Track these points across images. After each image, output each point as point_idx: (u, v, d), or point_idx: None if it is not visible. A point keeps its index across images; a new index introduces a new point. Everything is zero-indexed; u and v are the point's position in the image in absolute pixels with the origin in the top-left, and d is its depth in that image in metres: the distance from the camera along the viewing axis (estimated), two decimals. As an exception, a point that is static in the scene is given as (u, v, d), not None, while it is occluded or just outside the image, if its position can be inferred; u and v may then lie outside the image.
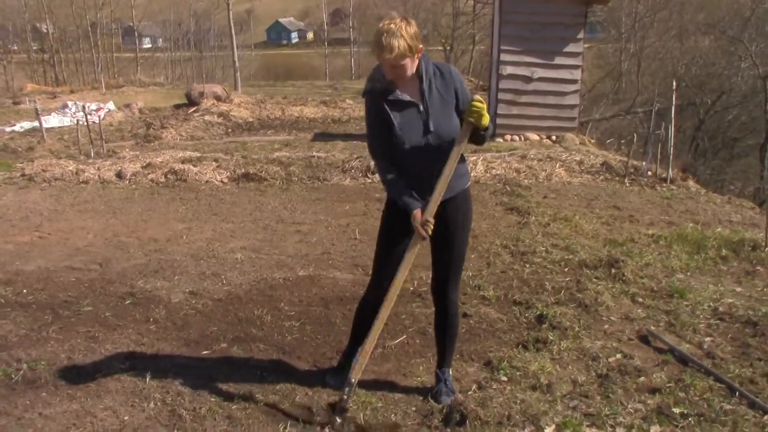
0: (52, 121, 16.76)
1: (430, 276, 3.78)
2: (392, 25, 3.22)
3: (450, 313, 3.71)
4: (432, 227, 3.37)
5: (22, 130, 15.95)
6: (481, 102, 3.27)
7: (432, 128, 3.37)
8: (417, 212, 3.37)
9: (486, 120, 3.31)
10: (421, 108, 3.39)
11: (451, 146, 3.37)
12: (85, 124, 12.89)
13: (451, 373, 3.87)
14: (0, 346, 4.43)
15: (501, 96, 12.68)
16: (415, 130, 3.38)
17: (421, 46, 3.32)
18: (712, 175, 17.19)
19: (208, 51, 53.07)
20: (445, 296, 3.67)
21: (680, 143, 17.03)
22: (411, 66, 3.33)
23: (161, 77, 36.97)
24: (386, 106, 3.40)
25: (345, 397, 3.55)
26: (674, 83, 10.34)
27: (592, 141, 14.11)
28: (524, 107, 12.65)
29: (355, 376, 3.57)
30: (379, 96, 3.42)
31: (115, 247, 6.78)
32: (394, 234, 3.57)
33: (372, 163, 8.37)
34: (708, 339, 4.57)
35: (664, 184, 9.47)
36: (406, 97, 3.39)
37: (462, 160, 3.51)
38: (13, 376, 4.01)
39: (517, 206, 8.15)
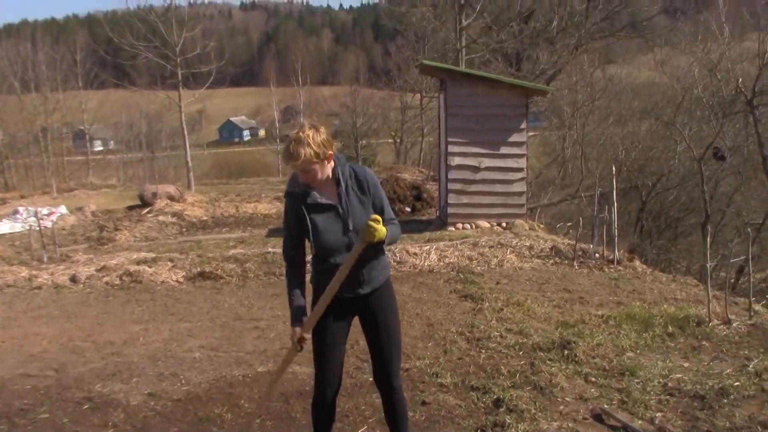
0: (2, 227, 16.62)
1: (372, 370, 3.89)
2: (300, 134, 3.48)
3: (396, 400, 3.83)
4: (306, 344, 3.60)
5: (-27, 237, 15.76)
6: (376, 221, 3.47)
7: (351, 227, 3.59)
8: (297, 330, 3.59)
9: (380, 235, 3.48)
10: (341, 210, 3.60)
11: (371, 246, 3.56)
12: (38, 229, 12.83)
13: None
14: (-46, 459, 4.36)
15: (451, 186, 13.03)
16: (335, 231, 3.59)
17: (330, 152, 3.55)
18: (659, 254, 17.71)
19: (160, 151, 53.44)
20: (390, 386, 3.80)
21: (626, 225, 17.60)
22: (321, 170, 3.56)
23: (113, 179, 36.99)
24: (305, 209, 3.60)
25: None
26: (614, 168, 10.80)
27: (541, 226, 14.48)
28: (474, 196, 13.00)
29: None
30: (299, 199, 3.62)
31: (70, 352, 6.73)
32: (327, 331, 3.70)
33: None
34: (659, 414, 4.71)
35: (612, 266, 9.78)
36: (325, 200, 3.61)
37: (382, 253, 3.74)
38: (-32, 489, 3.94)
39: (471, 293, 8.31)
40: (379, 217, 3.50)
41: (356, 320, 3.83)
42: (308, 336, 3.58)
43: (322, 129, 3.55)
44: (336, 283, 3.53)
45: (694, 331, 6.50)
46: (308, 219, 3.58)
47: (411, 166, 32.31)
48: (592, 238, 10.89)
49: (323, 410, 3.90)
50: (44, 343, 7.10)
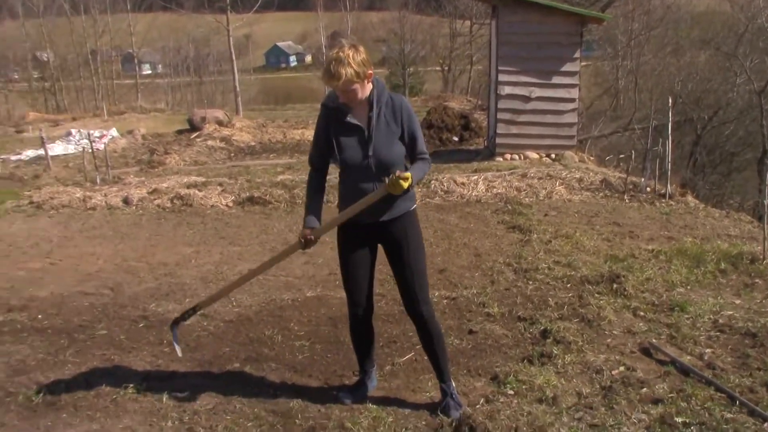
0: (56, 149, 16.96)
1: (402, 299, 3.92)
2: (341, 53, 3.43)
3: (429, 328, 3.84)
4: (311, 247, 3.75)
5: (27, 158, 16.15)
6: (405, 179, 3.42)
7: (371, 153, 3.58)
8: (306, 231, 3.70)
9: (405, 189, 3.46)
10: (366, 133, 3.60)
11: (389, 169, 3.55)
12: (90, 151, 13.07)
13: (454, 386, 3.99)
14: (19, 371, 4.56)
15: (500, 116, 12.85)
16: (357, 153, 3.61)
17: (370, 71, 3.53)
18: (711, 190, 17.35)
19: (207, 76, 53.53)
20: (418, 312, 3.80)
21: (679, 159, 17.19)
22: (361, 90, 3.54)
23: (162, 103, 37.26)
24: (335, 126, 3.64)
25: (186, 315, 4.13)
26: (670, 100, 10.50)
27: (591, 158, 14.27)
28: (523, 126, 12.81)
29: (203, 305, 4.21)
30: (331, 114, 3.65)
31: (125, 272, 6.92)
32: (351, 255, 3.77)
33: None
34: (708, 350, 4.68)
35: (663, 200, 9.61)
36: (354, 121, 3.61)
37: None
38: (33, 398, 4.12)
39: (518, 224, 8.27)
40: (409, 175, 3.46)
41: None
42: (315, 240, 3.70)
43: (362, 48, 3.51)
44: (352, 211, 3.58)
45: (747, 269, 6.38)
46: (334, 135, 3.63)
47: (459, 94, 31.91)
48: (644, 172, 10.69)
49: (358, 331, 3.98)
50: (99, 263, 7.30)
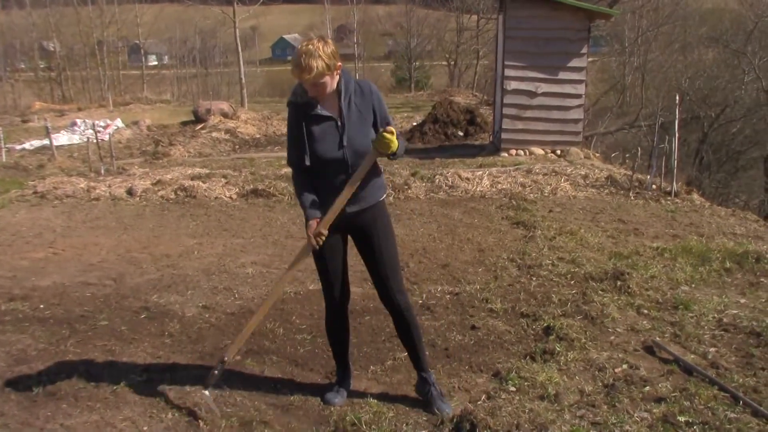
0: (61, 138, 16.96)
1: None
2: (310, 46, 3.41)
3: (404, 316, 3.82)
4: (323, 239, 3.58)
5: (32, 148, 16.15)
6: (391, 133, 3.43)
7: (346, 143, 3.55)
8: (313, 222, 3.57)
9: (395, 147, 3.45)
10: (339, 123, 3.56)
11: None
12: (95, 141, 13.06)
13: (434, 377, 4.00)
14: (20, 360, 4.55)
15: (506, 111, 12.81)
16: (331, 144, 3.56)
17: (339, 63, 3.51)
18: (717, 188, 17.28)
19: (213, 68, 53.45)
20: (393, 302, 3.79)
21: (685, 156, 17.14)
22: (331, 83, 3.52)
23: (167, 94, 37.19)
24: (306, 120, 3.59)
25: (215, 372, 3.91)
26: (677, 97, 10.44)
27: (597, 155, 14.21)
28: (529, 122, 12.78)
29: (229, 355, 3.96)
30: (300, 109, 3.60)
31: (128, 263, 6.91)
32: (322, 248, 3.68)
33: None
34: (712, 349, 4.64)
35: (669, 198, 9.57)
36: (325, 113, 3.57)
37: (379, 174, 3.70)
38: (33, 388, 4.11)
39: (522, 220, 8.25)
40: (393, 129, 3.46)
41: None
42: (325, 232, 3.58)
43: (330, 41, 3.49)
44: (349, 189, 3.53)
45: (753, 267, 6.35)
46: (306, 129, 3.58)
47: (465, 89, 31.78)
48: (650, 169, 10.65)
49: (337, 323, 3.95)
50: (103, 253, 7.30)
